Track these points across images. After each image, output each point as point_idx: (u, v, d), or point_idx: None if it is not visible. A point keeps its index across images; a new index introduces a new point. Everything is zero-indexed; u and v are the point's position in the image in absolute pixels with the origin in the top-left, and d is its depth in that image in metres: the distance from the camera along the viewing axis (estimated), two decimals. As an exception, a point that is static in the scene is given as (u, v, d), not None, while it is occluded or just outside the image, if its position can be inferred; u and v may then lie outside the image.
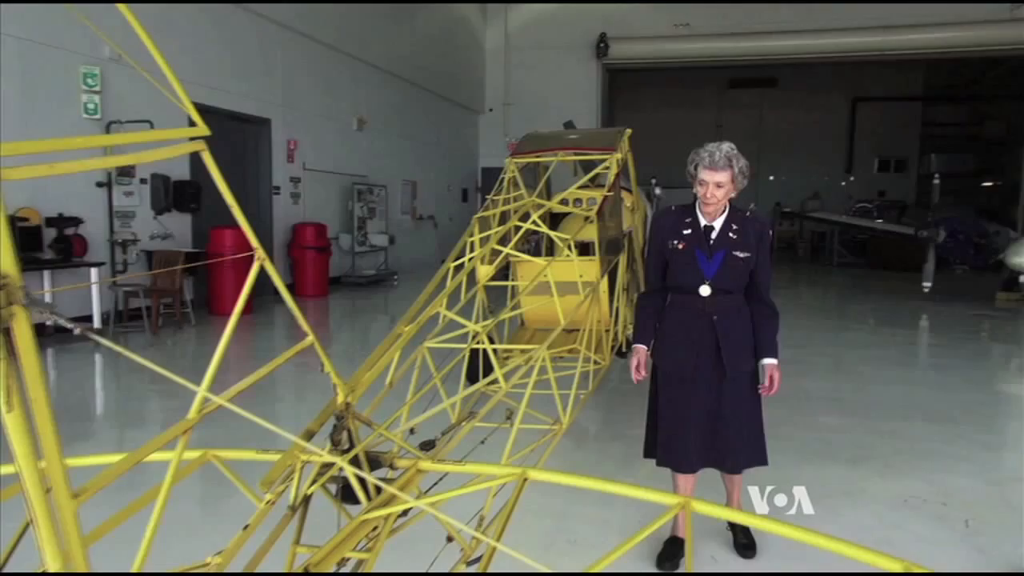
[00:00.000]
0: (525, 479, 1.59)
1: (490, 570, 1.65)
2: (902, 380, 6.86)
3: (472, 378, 3.20)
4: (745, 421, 2.99)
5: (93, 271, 7.67)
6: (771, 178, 25.88)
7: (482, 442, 2.66)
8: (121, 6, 1.10)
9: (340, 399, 1.61)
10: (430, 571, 2.02)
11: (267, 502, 1.42)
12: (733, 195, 2.91)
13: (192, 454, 1.69)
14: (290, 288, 11.87)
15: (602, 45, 19.53)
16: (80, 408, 5.59)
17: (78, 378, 6.47)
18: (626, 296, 4.90)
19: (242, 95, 10.76)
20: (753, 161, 3.72)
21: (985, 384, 6.93)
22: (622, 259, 4.60)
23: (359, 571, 1.53)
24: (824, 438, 4.79)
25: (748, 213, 2.98)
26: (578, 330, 3.79)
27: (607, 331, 4.27)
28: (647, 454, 3.20)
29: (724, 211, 2.92)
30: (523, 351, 3.07)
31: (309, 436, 1.63)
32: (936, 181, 12.28)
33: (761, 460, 3.05)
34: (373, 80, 14.65)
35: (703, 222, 2.94)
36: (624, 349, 5.03)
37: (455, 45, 18.80)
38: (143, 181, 8.94)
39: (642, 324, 3.14)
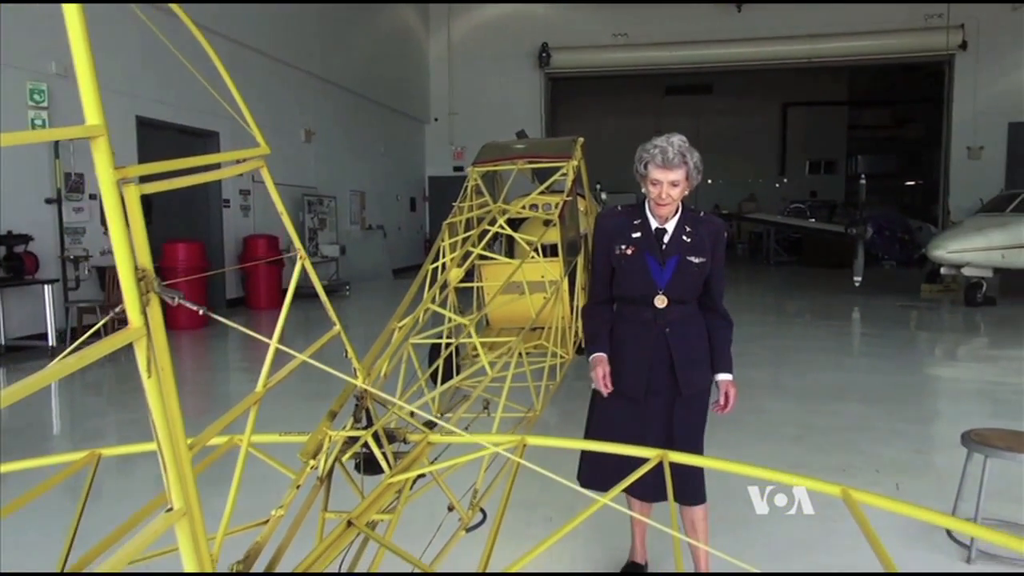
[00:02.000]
0: (524, 445, 1.85)
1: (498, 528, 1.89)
2: (838, 367, 7.36)
3: (445, 377, 3.43)
4: (695, 443, 2.72)
5: (47, 288, 7.61)
6: (708, 181, 26.75)
7: (466, 428, 2.91)
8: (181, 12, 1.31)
9: (360, 381, 1.84)
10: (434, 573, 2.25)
11: (311, 467, 1.64)
12: (686, 193, 2.61)
13: (219, 440, 1.89)
14: (242, 301, 11.93)
15: (544, 55, 19.98)
16: (37, 427, 5.61)
17: (39, 397, 6.44)
18: (584, 295, 5.20)
19: (188, 108, 10.74)
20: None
21: (913, 367, 7.49)
22: (580, 259, 4.89)
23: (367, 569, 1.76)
24: (768, 420, 5.18)
25: (702, 214, 2.73)
26: (542, 328, 4.06)
27: (569, 327, 4.56)
28: (584, 482, 2.73)
29: (677, 212, 2.64)
30: (498, 344, 3.31)
31: (333, 415, 1.85)
32: (863, 181, 13.04)
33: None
34: (319, 92, 14.74)
35: (654, 224, 2.64)
36: (583, 346, 5.32)
37: (399, 56, 18.97)
38: (92, 197, 8.87)
39: (595, 332, 2.80)
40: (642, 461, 1.68)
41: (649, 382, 2.68)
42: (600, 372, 2.71)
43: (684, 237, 2.63)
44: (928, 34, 17.95)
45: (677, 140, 2.55)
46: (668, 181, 2.52)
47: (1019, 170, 17.03)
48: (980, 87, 17.82)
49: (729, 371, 2.73)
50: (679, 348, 2.66)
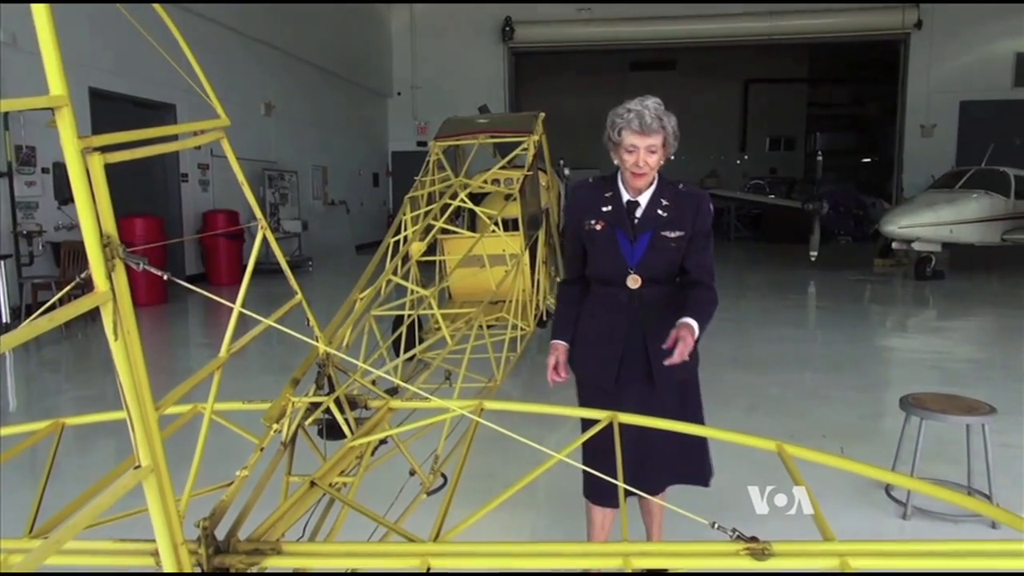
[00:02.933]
0: (482, 409, 1.92)
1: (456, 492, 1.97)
2: (793, 339, 7.58)
3: (407, 347, 3.49)
4: (682, 436, 2.31)
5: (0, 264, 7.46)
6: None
7: (427, 397, 2.97)
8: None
9: (321, 349, 1.89)
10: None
11: (275, 430, 1.70)
12: (663, 163, 2.41)
13: (182, 408, 1.93)
14: (202, 277, 11.78)
15: (507, 28, 19.84)
16: None
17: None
18: (545, 268, 5.28)
19: (146, 81, 10.49)
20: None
21: (864, 339, 7.74)
22: (541, 234, 4.97)
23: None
24: (725, 390, 5.33)
25: (681, 185, 2.48)
26: (503, 301, 4.14)
27: (530, 300, 4.64)
28: (590, 496, 2.60)
29: (652, 183, 2.42)
30: (459, 315, 3.38)
31: (296, 382, 1.90)
32: (819, 158, 13.29)
33: (696, 478, 2.54)
34: (280, 65, 14.48)
35: (626, 197, 2.42)
36: (544, 319, 5.42)
37: (361, 28, 18.69)
38: (45, 171, 8.66)
39: (559, 316, 2.61)
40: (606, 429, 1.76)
41: (620, 372, 2.46)
42: (552, 360, 2.51)
43: (659, 211, 2.41)
44: (885, 13, 18.24)
45: (652, 103, 2.35)
46: (645, 147, 2.32)
47: (969, 147, 17.50)
48: (933, 66, 18.22)
49: (696, 319, 2.28)
50: (655, 334, 2.37)
